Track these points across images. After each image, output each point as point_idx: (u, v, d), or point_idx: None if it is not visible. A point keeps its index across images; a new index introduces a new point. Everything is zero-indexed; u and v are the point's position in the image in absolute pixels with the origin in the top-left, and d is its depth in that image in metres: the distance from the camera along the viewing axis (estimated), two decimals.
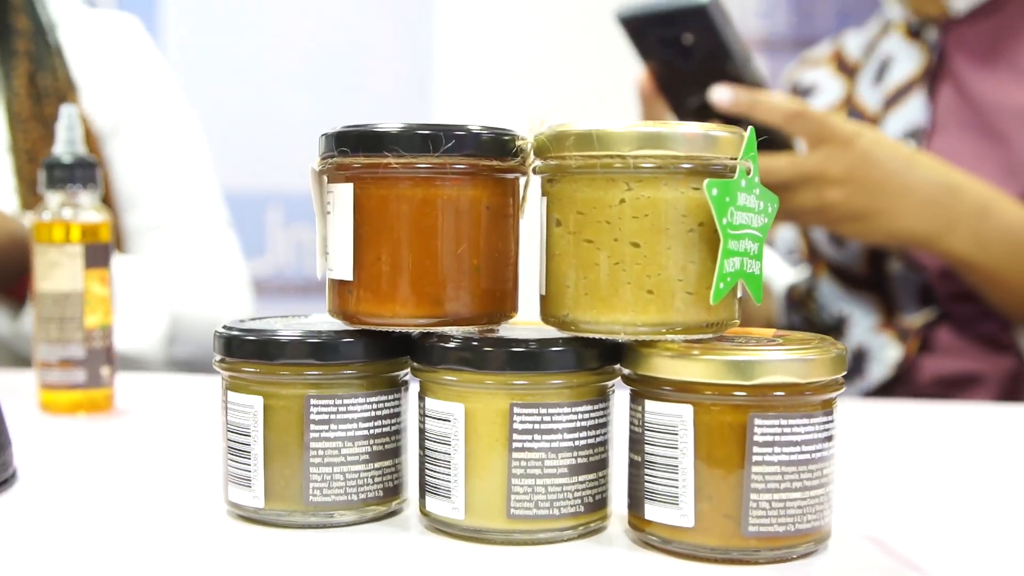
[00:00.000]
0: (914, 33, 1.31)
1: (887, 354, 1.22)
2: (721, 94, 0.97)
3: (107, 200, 1.27)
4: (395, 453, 0.55)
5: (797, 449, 0.49)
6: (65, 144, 0.82)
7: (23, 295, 1.13)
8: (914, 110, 1.23)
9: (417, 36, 2.67)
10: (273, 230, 2.67)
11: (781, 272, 1.33)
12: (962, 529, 0.56)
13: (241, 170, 2.65)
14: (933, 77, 1.27)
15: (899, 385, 1.22)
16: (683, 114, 1.03)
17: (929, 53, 1.28)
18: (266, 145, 2.63)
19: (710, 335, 0.52)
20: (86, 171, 0.81)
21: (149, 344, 1.23)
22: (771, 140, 0.99)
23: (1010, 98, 1.21)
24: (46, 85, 1.25)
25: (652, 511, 0.50)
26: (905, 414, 0.93)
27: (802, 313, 1.30)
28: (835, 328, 1.27)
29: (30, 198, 1.21)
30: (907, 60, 1.31)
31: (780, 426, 0.48)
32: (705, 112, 0.99)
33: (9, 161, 1.23)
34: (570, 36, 2.57)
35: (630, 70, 1.08)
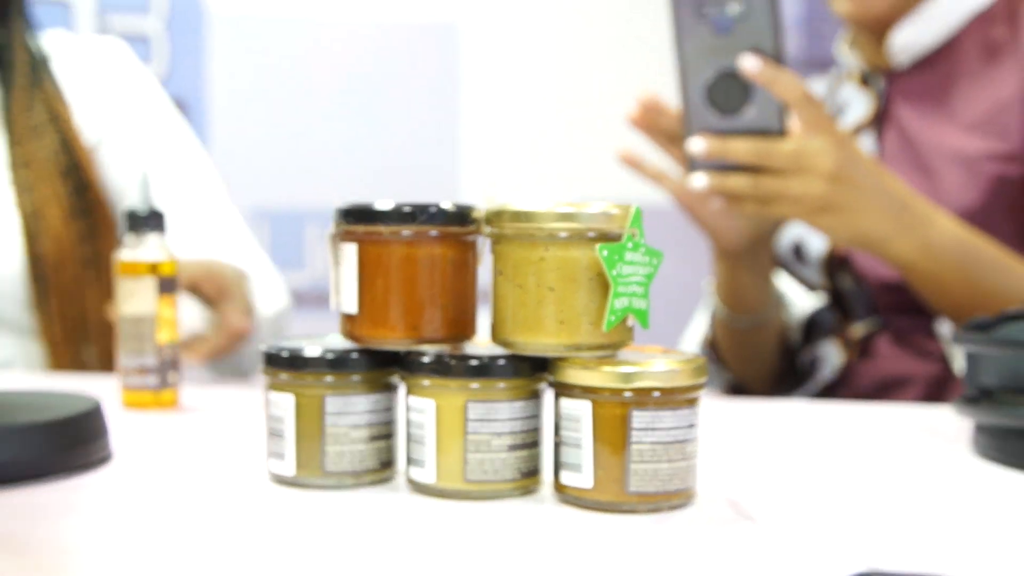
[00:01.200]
0: (865, 81, 1.50)
1: (833, 360, 1.41)
2: (750, 62, 1.08)
3: (100, 198, 1.47)
4: (389, 436, 0.77)
5: (665, 433, 0.70)
6: (141, 198, 1.05)
7: None
8: (863, 148, 1.40)
9: (444, 64, 2.87)
10: (311, 245, 2.89)
11: (801, 298, 1.49)
12: (810, 495, 0.77)
13: (282, 189, 2.88)
14: (880, 120, 1.46)
15: (841, 387, 1.42)
16: (690, 90, 1.15)
17: (877, 100, 1.47)
18: (305, 166, 2.85)
19: (607, 353, 0.73)
20: (156, 220, 1.04)
21: (285, 304, 1.46)
22: (767, 128, 1.12)
23: (940, 140, 1.40)
24: (42, 109, 1.46)
25: (566, 477, 0.71)
26: (836, 415, 1.13)
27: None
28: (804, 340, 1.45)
29: (33, 220, 1.41)
30: (859, 105, 1.50)
31: (652, 417, 0.69)
32: (715, 90, 1.13)
33: (10, 187, 1.43)
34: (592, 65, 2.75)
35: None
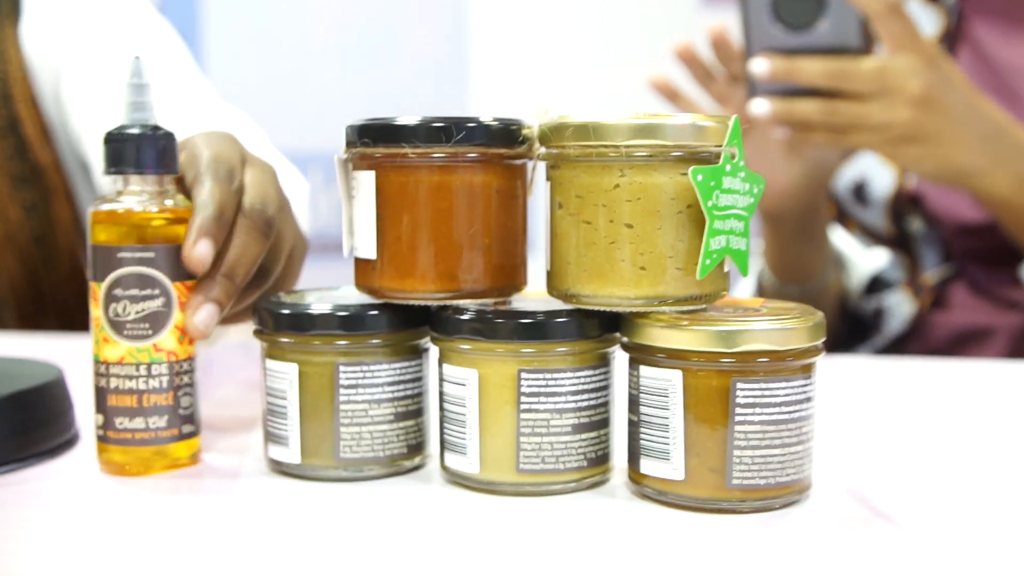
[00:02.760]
0: None
1: (902, 310, 1.26)
2: None
3: (49, 159, 1.15)
4: (418, 413, 0.61)
5: (777, 410, 0.54)
6: (132, 108, 0.80)
7: None
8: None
9: (450, 13, 2.71)
10: (315, 191, 2.73)
11: (863, 258, 1.33)
12: (946, 484, 0.61)
13: (283, 133, 2.71)
14: (952, 40, 1.30)
15: (913, 341, 1.26)
16: (751, 4, 1.00)
17: (947, 15, 1.31)
18: (307, 109, 2.69)
19: (699, 306, 0.57)
20: (157, 147, 0.80)
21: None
22: (844, 44, 0.98)
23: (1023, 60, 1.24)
24: None
25: (647, 465, 0.56)
26: (914, 371, 0.98)
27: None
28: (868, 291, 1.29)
29: None
30: (926, 22, 1.33)
31: (761, 389, 0.54)
32: (782, 2, 0.98)
33: None
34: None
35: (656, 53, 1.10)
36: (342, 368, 0.59)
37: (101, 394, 0.61)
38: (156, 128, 0.61)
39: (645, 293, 0.55)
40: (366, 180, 0.59)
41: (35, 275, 1.19)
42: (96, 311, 0.61)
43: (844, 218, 1.35)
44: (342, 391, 0.59)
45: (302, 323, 0.59)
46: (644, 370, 0.56)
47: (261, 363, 0.62)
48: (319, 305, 0.60)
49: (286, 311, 0.60)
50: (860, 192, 1.32)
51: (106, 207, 0.61)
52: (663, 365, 0.55)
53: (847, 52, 0.98)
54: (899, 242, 1.29)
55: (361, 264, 0.60)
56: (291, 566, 0.48)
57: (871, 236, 1.32)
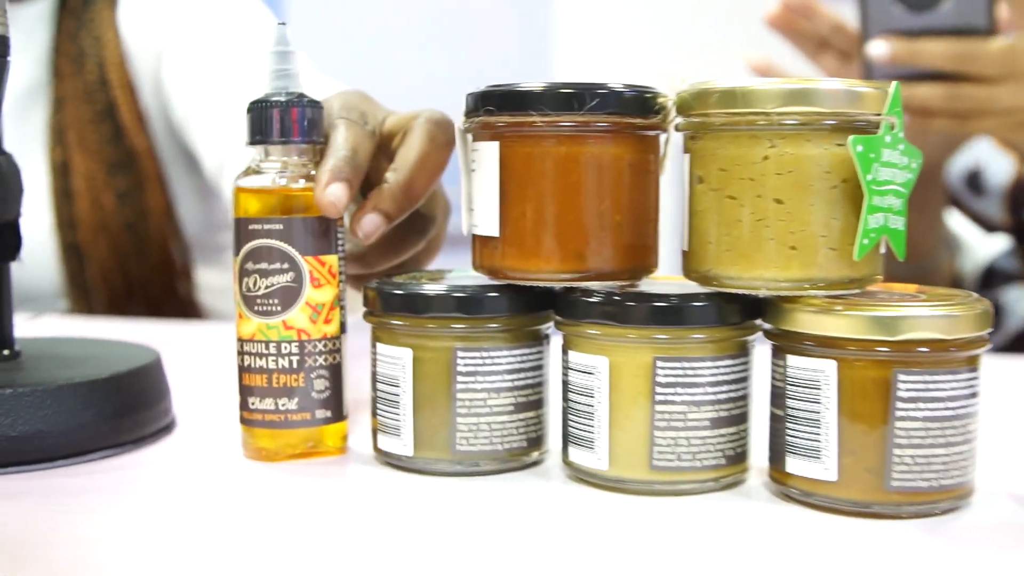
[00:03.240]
0: None
1: (1022, 306, 1.19)
2: None
3: (143, 145, 1.13)
4: (538, 404, 0.57)
5: (942, 405, 0.49)
6: (277, 74, 0.60)
7: None
8: None
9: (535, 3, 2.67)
10: None
11: (982, 242, 1.27)
12: None
13: None
14: None
15: None
16: (876, 20, 0.95)
17: None
18: (393, 94, 2.66)
19: (853, 291, 0.52)
20: (305, 117, 0.59)
21: None
22: (970, 25, 0.91)
23: None
24: (87, 34, 1.14)
25: (793, 464, 0.51)
26: None
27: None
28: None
29: (63, 175, 1.12)
30: None
31: (924, 382, 0.49)
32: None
33: (45, 103, 1.13)
34: None
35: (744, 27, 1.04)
36: (459, 354, 0.55)
37: (239, 373, 0.59)
38: (301, 96, 0.58)
39: (795, 275, 0.51)
40: (488, 151, 0.55)
41: (125, 262, 1.16)
42: (234, 286, 0.58)
43: (957, 208, 1.28)
44: (459, 379, 0.55)
45: (417, 304, 0.55)
46: (792, 360, 0.51)
47: (371, 348, 0.58)
48: (435, 286, 0.55)
49: (399, 291, 0.56)
50: (975, 181, 1.26)
51: (244, 179, 0.58)
52: (814, 354, 0.50)
53: (973, 33, 0.91)
54: (1017, 234, 1.23)
55: (481, 242, 0.56)
56: (402, 567, 0.44)
57: (985, 227, 1.26)
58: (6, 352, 0.63)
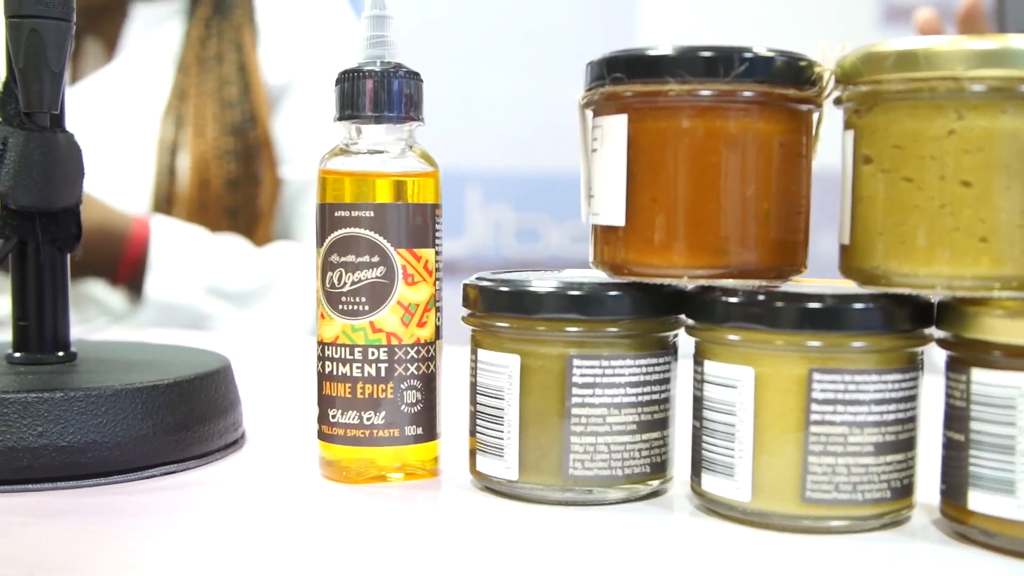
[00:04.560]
0: None
1: None
2: None
3: (266, 144, 1.22)
4: (663, 424, 0.49)
5: None
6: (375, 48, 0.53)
7: (126, 285, 1.10)
8: None
9: (618, 16, 2.61)
10: (471, 211, 2.64)
11: None
12: None
13: (440, 150, 2.63)
14: None
15: None
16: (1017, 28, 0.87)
17: None
18: (465, 125, 2.61)
19: None
20: (407, 90, 0.52)
21: None
22: None
23: None
24: (220, 40, 1.22)
25: (979, 500, 0.42)
26: None
27: None
28: None
29: (169, 159, 1.18)
30: None
31: None
32: None
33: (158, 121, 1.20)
34: None
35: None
36: (576, 362, 0.47)
37: (318, 380, 0.52)
38: (398, 66, 0.51)
39: (984, 273, 0.42)
40: (614, 127, 0.47)
41: None
42: (316, 282, 0.51)
43: None
44: (575, 391, 0.47)
45: (526, 304, 0.47)
46: (979, 374, 0.42)
47: (471, 355, 0.50)
48: (546, 283, 0.48)
49: (505, 288, 0.48)
50: None
51: (331, 161, 0.51)
52: (1007, 367, 0.42)
53: None
54: None
55: (603, 233, 0.49)
56: None
57: None
58: (60, 354, 0.56)
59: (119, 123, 1.20)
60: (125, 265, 1.09)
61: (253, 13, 1.25)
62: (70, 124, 0.56)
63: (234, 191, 1.20)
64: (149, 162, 1.19)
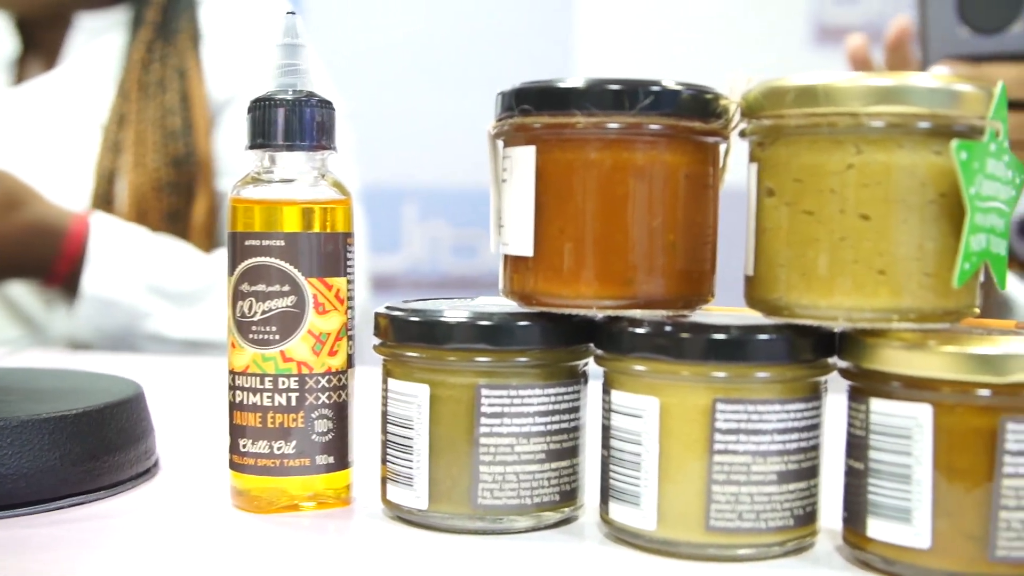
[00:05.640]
0: None
1: None
2: None
3: (205, 174, 1.20)
4: (573, 453, 0.49)
5: None
6: (283, 71, 0.53)
7: (61, 284, 1.09)
8: None
9: (555, 33, 2.62)
10: (408, 226, 2.64)
11: None
12: None
13: (377, 166, 2.64)
14: None
15: None
16: (932, 6, 0.86)
17: None
18: (402, 141, 2.61)
19: (948, 324, 0.44)
20: (316, 119, 0.51)
21: None
22: None
23: None
24: (163, 66, 1.21)
25: (876, 527, 0.43)
26: None
27: None
28: None
29: (107, 185, 1.17)
30: None
31: None
32: (969, 2, 0.86)
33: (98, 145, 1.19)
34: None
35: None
36: (484, 391, 0.47)
37: (230, 409, 0.51)
38: (311, 95, 0.50)
39: (881, 304, 0.43)
40: (523, 158, 0.47)
41: None
42: (228, 311, 0.51)
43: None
44: (483, 421, 0.47)
45: (436, 334, 0.47)
46: (877, 404, 0.43)
47: (382, 384, 0.50)
48: (456, 312, 0.48)
49: (415, 318, 0.48)
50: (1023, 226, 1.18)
51: (242, 189, 0.50)
52: (902, 398, 0.42)
53: None
54: None
55: (512, 263, 0.49)
56: None
57: None
58: None
59: (55, 136, 1.19)
60: (62, 262, 1.06)
61: (198, 39, 1.24)
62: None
63: (173, 223, 1.18)
64: (85, 184, 1.18)
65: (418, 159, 2.58)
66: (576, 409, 0.49)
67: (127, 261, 1.09)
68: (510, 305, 0.50)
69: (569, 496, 0.49)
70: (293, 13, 0.51)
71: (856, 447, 0.44)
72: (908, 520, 0.42)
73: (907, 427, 0.42)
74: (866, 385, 0.44)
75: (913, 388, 0.42)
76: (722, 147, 0.49)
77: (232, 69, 1.24)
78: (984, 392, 0.41)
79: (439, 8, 2.64)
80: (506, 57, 2.56)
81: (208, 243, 1.20)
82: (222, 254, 1.18)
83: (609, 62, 2.50)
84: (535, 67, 2.61)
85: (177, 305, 1.11)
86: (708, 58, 2.38)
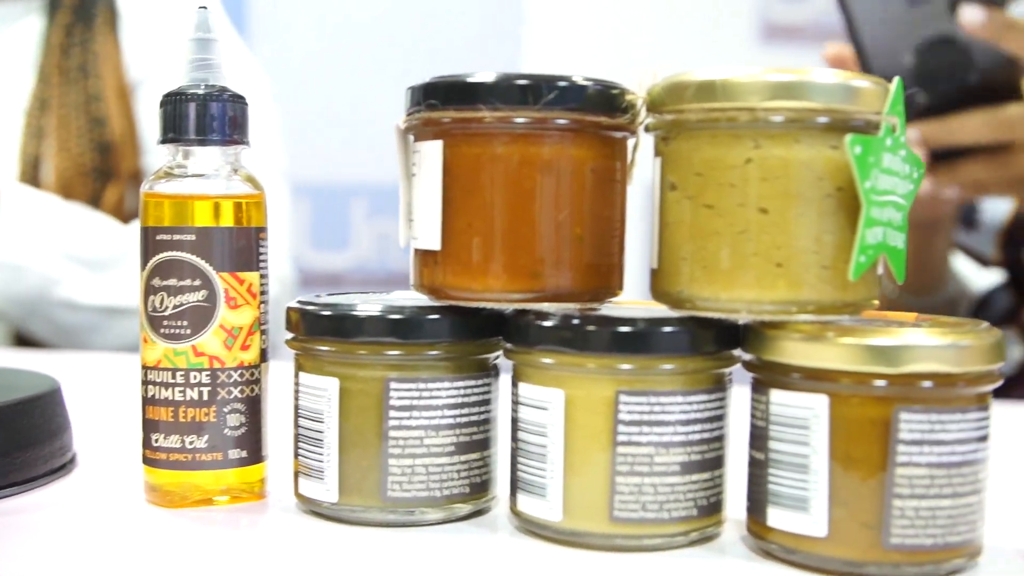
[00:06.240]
0: None
1: (1012, 354, 1.12)
2: (972, 14, 0.83)
3: (126, 157, 1.20)
4: (484, 445, 0.49)
5: (948, 449, 0.42)
6: (195, 66, 0.53)
7: None
8: None
9: (505, 32, 2.62)
10: (356, 224, 2.63)
11: (975, 275, 1.20)
12: None
13: (325, 163, 2.63)
14: None
15: (1018, 387, 1.13)
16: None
17: None
18: (350, 138, 2.60)
19: (846, 316, 0.45)
20: (228, 112, 0.51)
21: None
22: (998, 90, 0.86)
23: None
24: (84, 50, 1.20)
25: (776, 516, 0.44)
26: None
27: None
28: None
29: (33, 171, 1.16)
30: None
31: (930, 422, 0.42)
32: (923, 69, 0.88)
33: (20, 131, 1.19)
34: None
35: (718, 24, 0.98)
36: (393, 385, 0.47)
37: (142, 404, 0.51)
38: (223, 89, 0.50)
39: (780, 297, 0.44)
40: (431, 152, 0.48)
41: None
42: (140, 305, 0.51)
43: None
44: (392, 414, 0.47)
45: (345, 328, 0.48)
46: (777, 395, 0.44)
47: (293, 378, 0.51)
48: (367, 306, 0.48)
49: (326, 312, 0.48)
50: (969, 216, 1.20)
51: (155, 183, 0.50)
52: (801, 388, 0.43)
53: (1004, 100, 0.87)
54: (1009, 270, 1.16)
55: (421, 257, 0.49)
56: None
57: (981, 264, 1.20)
58: None
59: None
60: None
61: (116, 21, 1.23)
62: None
63: (100, 208, 1.17)
64: (10, 169, 1.17)
65: (367, 156, 2.57)
66: (487, 402, 0.49)
67: (38, 227, 1.08)
68: (423, 299, 0.50)
69: (480, 488, 0.50)
70: (205, 8, 0.51)
71: (757, 438, 0.45)
72: (806, 509, 0.43)
73: (804, 417, 0.43)
74: (767, 376, 0.45)
75: (811, 379, 0.43)
76: (630, 142, 0.49)
77: (149, 49, 1.23)
78: (880, 383, 0.42)
79: (388, 6, 2.64)
80: (456, 54, 2.56)
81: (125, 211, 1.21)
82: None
83: (557, 57, 2.50)
84: (485, 64, 2.60)
85: (91, 271, 1.10)
86: (655, 55, 2.39)
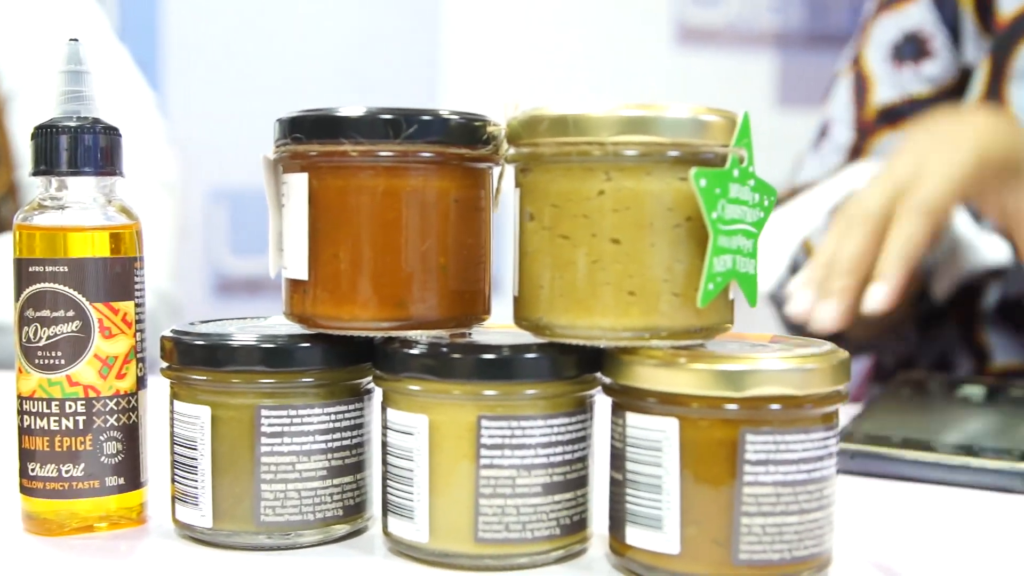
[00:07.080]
0: None
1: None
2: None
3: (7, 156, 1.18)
4: (357, 468, 0.51)
5: (794, 468, 0.44)
6: (68, 98, 0.54)
7: None
8: None
9: (423, 36, 2.62)
10: None
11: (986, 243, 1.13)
12: (976, 556, 0.52)
13: (247, 168, 2.62)
14: None
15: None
16: None
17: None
18: (269, 143, 2.58)
19: (699, 341, 0.47)
20: (101, 144, 0.52)
21: None
22: None
23: None
24: None
25: (634, 535, 0.46)
26: None
27: None
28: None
29: None
30: None
31: (775, 443, 0.44)
32: None
33: None
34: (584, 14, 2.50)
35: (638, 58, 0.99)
36: (264, 412, 0.48)
37: (18, 435, 0.52)
38: (96, 121, 0.51)
39: (634, 324, 0.45)
40: (297, 184, 0.49)
41: None
42: (15, 336, 0.51)
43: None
44: (264, 440, 0.48)
45: (217, 357, 0.49)
46: (632, 418, 0.45)
47: (168, 406, 0.51)
48: (239, 336, 0.49)
49: (199, 342, 0.49)
50: None
51: (27, 215, 0.51)
52: (655, 412, 0.45)
53: None
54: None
55: (291, 287, 0.50)
56: None
57: None
58: None
59: None
60: None
61: None
62: None
63: None
64: None
65: None
66: (359, 426, 0.51)
67: None
68: (293, 327, 0.51)
69: (355, 510, 0.51)
70: (76, 40, 0.52)
71: (616, 459, 0.47)
72: (660, 527, 0.45)
73: (657, 440, 0.44)
74: (623, 400, 0.46)
75: (663, 403, 0.44)
76: (495, 171, 0.51)
77: (20, 63, 1.21)
78: (731, 407, 0.43)
79: (314, 18, 2.63)
80: (377, 63, 2.56)
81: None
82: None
83: (474, 68, 2.51)
84: (406, 70, 2.61)
85: None
86: (571, 60, 2.42)
